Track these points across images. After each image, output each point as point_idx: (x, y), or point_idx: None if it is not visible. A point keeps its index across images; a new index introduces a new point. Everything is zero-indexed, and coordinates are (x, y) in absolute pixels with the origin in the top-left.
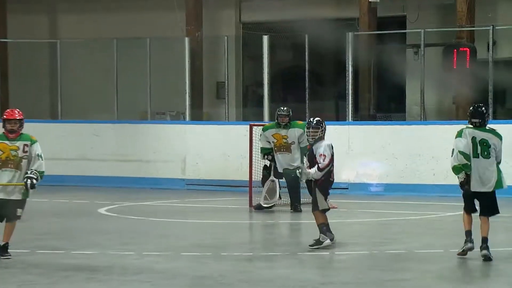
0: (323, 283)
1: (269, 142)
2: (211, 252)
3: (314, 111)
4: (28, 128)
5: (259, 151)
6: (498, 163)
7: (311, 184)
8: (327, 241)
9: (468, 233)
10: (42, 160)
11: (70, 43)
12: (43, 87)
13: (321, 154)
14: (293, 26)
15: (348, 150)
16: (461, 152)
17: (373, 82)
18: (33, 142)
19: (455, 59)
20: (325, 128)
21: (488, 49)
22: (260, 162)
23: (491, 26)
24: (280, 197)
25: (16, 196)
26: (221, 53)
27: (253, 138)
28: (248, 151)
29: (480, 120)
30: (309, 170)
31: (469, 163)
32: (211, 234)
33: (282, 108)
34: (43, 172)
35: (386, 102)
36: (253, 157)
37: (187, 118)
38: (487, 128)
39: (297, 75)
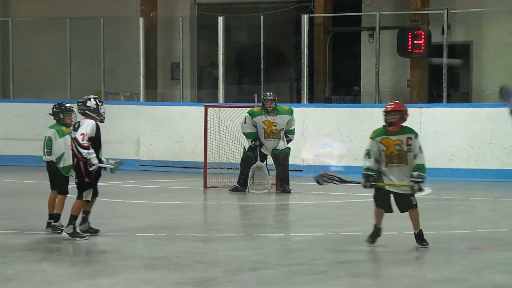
0: (279, 264)
1: (255, 126)
2: (166, 233)
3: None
4: None
5: (226, 133)
6: None
7: None
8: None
9: None
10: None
11: (23, 21)
12: None
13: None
14: (249, 7)
15: (304, 132)
16: None
17: (328, 64)
18: (416, 135)
19: (409, 43)
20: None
21: (443, 32)
22: (214, 143)
23: (446, 10)
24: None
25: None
26: (175, 34)
27: (208, 119)
28: (203, 133)
29: None
30: None
31: None
32: (165, 216)
33: (269, 93)
34: (422, 165)
35: (341, 85)
36: (208, 139)
37: (141, 99)
38: None
39: (252, 57)
